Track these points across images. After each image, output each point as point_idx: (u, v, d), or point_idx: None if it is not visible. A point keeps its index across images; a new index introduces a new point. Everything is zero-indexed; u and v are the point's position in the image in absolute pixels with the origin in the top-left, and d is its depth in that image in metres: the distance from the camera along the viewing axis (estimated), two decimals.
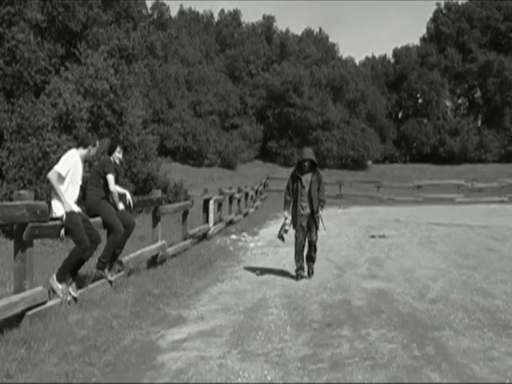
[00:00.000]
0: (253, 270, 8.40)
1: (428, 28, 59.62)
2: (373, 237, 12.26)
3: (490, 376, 3.97)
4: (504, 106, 53.29)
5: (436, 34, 57.75)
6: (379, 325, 5.25)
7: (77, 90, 16.91)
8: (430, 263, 8.84)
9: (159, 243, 8.22)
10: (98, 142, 6.19)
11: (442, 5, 58.64)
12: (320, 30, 59.93)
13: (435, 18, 58.72)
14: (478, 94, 56.91)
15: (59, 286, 5.48)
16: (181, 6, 59.85)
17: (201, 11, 60.12)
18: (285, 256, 9.61)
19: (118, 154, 6.77)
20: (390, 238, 12.17)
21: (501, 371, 4.06)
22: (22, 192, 5.00)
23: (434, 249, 10.61)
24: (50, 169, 5.82)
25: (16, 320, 4.65)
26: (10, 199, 5.41)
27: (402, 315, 5.61)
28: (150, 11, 41.02)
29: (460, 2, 58.47)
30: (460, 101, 58.69)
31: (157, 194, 8.80)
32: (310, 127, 47.10)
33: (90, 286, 6.07)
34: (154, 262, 8.01)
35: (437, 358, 4.34)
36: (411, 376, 3.96)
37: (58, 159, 5.96)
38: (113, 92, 17.44)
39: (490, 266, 8.49)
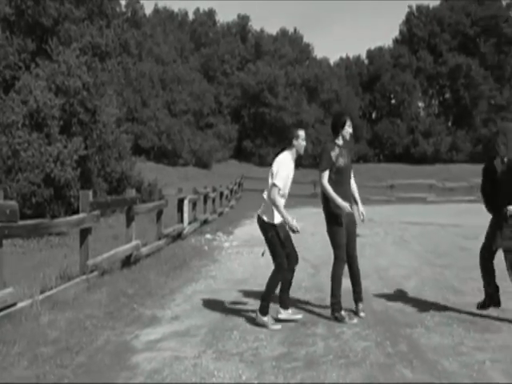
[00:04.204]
0: (228, 269, 8.38)
1: (401, 30, 60.48)
2: None
3: (459, 370, 4.06)
4: (473, 108, 54.42)
5: (408, 36, 58.66)
6: (353, 323, 5.30)
7: (48, 87, 16.64)
8: (404, 262, 8.95)
9: (133, 243, 8.15)
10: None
11: (414, 8, 59.57)
12: (295, 30, 60.25)
13: (407, 21, 59.64)
14: (449, 95, 57.92)
15: (264, 319, 5.19)
16: (155, 4, 59.47)
17: (175, 10, 59.76)
18: (260, 255, 9.61)
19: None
20: (364, 237, 12.25)
21: (469, 365, 4.17)
22: None
23: (408, 247, 10.74)
24: (19, 168, 5.69)
25: None
26: None
27: (376, 313, 5.68)
28: (123, 9, 40.58)
29: (431, 6, 59.52)
30: (432, 102, 59.63)
31: (131, 193, 8.73)
32: (284, 127, 47.22)
33: (63, 286, 5.98)
34: (127, 261, 7.93)
35: (409, 354, 4.40)
36: (384, 373, 4.01)
37: (28, 157, 5.80)
38: (86, 90, 17.20)
39: (460, 264, 8.64)
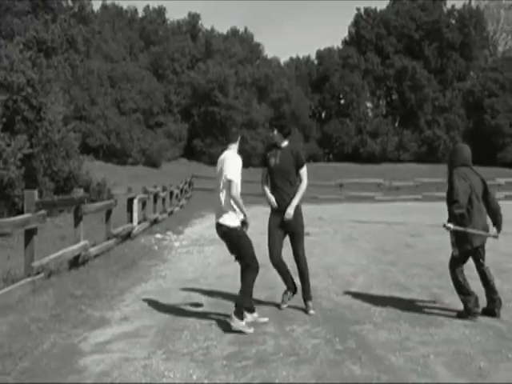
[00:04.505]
0: (178, 269, 8.33)
1: (349, 32, 61.55)
2: None
3: (405, 365, 4.19)
4: (418, 109, 56.09)
5: (357, 38, 59.79)
6: (303, 321, 5.38)
7: None
8: (352, 260, 9.13)
9: (81, 243, 7.98)
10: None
11: (362, 10, 60.80)
12: (245, 29, 60.30)
13: (356, 23, 60.78)
14: (396, 96, 59.42)
15: (241, 323, 5.01)
16: (103, 0, 58.05)
17: (124, 7, 58.68)
18: (210, 255, 9.61)
19: None
20: (314, 235, 12.43)
21: (414, 359, 4.31)
22: None
23: (356, 245, 10.96)
24: None
25: None
26: None
27: (326, 311, 5.77)
28: (70, 3, 39.55)
29: (378, 9, 60.86)
30: (380, 102, 61.01)
31: (78, 192, 8.53)
32: (235, 126, 47.27)
33: (6, 289, 5.78)
34: (76, 262, 7.76)
35: (358, 350, 4.50)
36: (334, 369, 4.09)
37: None
38: (30, 86, 16.65)
39: (406, 261, 8.89)
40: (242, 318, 5.04)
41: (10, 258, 9.37)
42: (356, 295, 6.45)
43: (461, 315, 5.45)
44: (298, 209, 5.70)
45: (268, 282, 7.17)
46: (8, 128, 15.87)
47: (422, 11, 58.78)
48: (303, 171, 5.77)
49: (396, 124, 58.65)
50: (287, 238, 5.81)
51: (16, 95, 16.35)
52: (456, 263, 5.48)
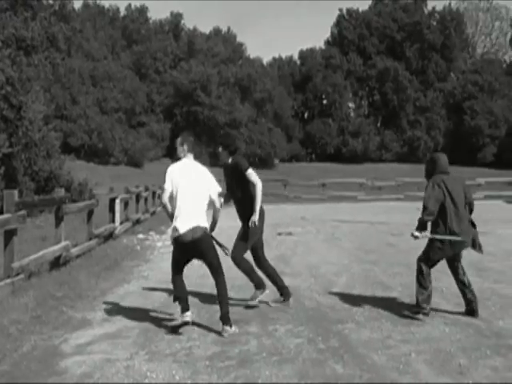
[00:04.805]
0: (160, 269, 8.29)
1: (332, 32, 61.86)
2: (279, 234, 12.51)
3: (387, 363, 4.22)
4: (400, 110, 56.58)
5: (339, 39, 60.14)
6: (286, 320, 5.39)
7: None
8: (335, 259, 9.17)
9: (62, 244, 7.90)
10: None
11: (345, 11, 61.11)
12: (228, 29, 60.26)
13: (338, 23, 61.11)
14: (378, 97, 59.90)
15: (233, 329, 4.98)
16: None
17: (106, 5, 58.32)
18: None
19: None
20: (297, 235, 12.48)
21: (396, 358, 4.34)
22: None
23: (338, 245, 11.02)
24: None
25: None
26: None
27: (308, 310, 5.79)
28: (50, 1, 39.12)
29: (360, 10, 61.24)
30: (362, 103, 61.42)
31: (60, 192, 8.45)
32: (218, 126, 47.21)
33: None
34: (57, 263, 7.68)
35: (340, 349, 4.52)
36: (316, 368, 4.10)
37: None
38: (10, 84, 16.44)
39: (388, 260, 8.96)
40: (230, 324, 5.00)
41: None
42: (338, 295, 6.48)
43: (411, 310, 5.52)
44: (260, 214, 5.82)
45: (249, 282, 7.16)
46: None
47: (404, 12, 59.37)
48: (249, 174, 5.77)
49: (378, 124, 59.10)
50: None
51: None
52: (429, 262, 5.53)
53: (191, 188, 5.07)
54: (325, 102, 58.07)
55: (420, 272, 5.55)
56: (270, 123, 51.34)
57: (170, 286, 6.94)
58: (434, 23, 60.15)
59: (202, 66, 48.83)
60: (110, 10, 57.37)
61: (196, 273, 7.94)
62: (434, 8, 61.21)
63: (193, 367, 4.12)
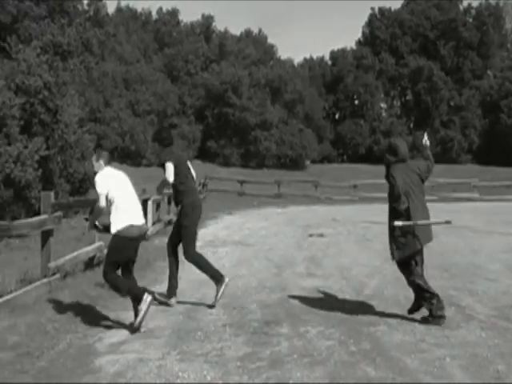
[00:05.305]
0: (191, 270, 8.34)
1: (363, 32, 61.29)
2: (311, 236, 12.45)
3: (420, 367, 4.16)
4: (433, 110, 55.66)
5: (371, 38, 59.50)
6: (317, 322, 5.36)
7: (7, 86, 16.25)
8: (366, 261, 9.08)
9: (96, 244, 8.05)
10: None
11: (377, 10, 60.47)
12: (259, 30, 60.29)
13: (370, 23, 60.49)
14: (410, 96, 59.06)
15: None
16: (118, 3, 58.44)
17: (139, 9, 59.04)
18: (224, 256, 9.62)
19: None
20: (328, 236, 12.40)
21: (430, 362, 4.27)
22: None
23: (370, 247, 10.90)
24: None
25: None
26: None
27: (339, 312, 5.75)
28: (86, 7, 39.90)
29: (393, 9, 60.49)
30: (394, 103, 60.66)
31: (93, 194, 8.60)
32: (248, 127, 47.29)
33: (23, 289, 5.85)
34: (91, 263, 7.82)
35: (372, 352, 4.48)
36: (348, 371, 4.08)
37: None
38: (47, 89, 16.86)
39: None
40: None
41: (27, 259, 9.48)
42: (370, 296, 6.42)
43: (429, 321, 5.31)
44: (182, 208, 6.07)
45: (281, 284, 7.17)
46: (25, 131, 16.09)
47: (438, 10, 58.27)
48: (165, 166, 6.05)
49: (411, 125, 58.27)
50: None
51: (33, 98, 16.57)
52: (413, 267, 5.42)
53: (131, 190, 5.59)
54: (356, 102, 57.56)
55: (418, 286, 5.37)
56: (301, 124, 51.15)
57: (201, 287, 7.00)
58: (470, 20, 58.89)
59: (232, 67, 49.00)
60: (143, 14, 58.12)
61: (227, 274, 7.98)
62: (469, 4, 59.95)
63: (224, 368, 4.14)
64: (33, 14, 19.90)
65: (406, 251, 5.37)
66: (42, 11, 20.62)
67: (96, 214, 5.56)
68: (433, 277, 7.54)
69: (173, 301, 6.05)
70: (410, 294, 6.48)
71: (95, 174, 5.51)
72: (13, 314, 5.19)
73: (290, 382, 3.90)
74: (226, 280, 6.02)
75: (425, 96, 55.56)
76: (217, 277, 6.01)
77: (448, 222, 5.31)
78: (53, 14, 21.42)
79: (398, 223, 5.27)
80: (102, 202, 5.32)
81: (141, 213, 5.61)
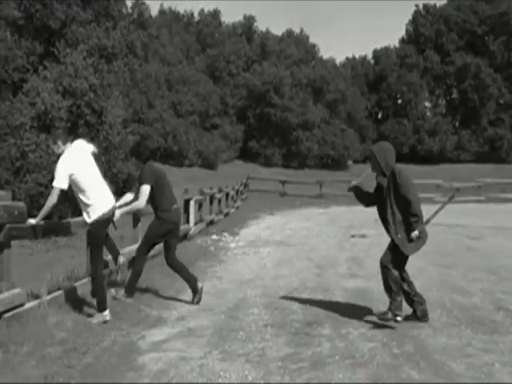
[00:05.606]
0: (234, 270, 8.39)
1: (407, 30, 60.25)
2: (353, 236, 12.34)
3: (466, 372, 4.04)
4: (480, 108, 54.16)
5: (415, 36, 58.41)
6: (359, 324, 5.30)
7: (55, 89, 16.73)
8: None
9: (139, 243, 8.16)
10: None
11: (421, 7, 59.28)
12: (301, 30, 60.07)
13: (414, 20, 59.38)
14: (456, 95, 57.70)
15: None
16: (161, 5, 59.23)
17: (181, 11, 59.84)
18: (265, 256, 9.63)
19: None
20: (370, 237, 12.25)
21: (477, 367, 4.14)
22: (0, 193, 4.94)
23: None
24: (28, 169, 5.76)
25: None
26: None
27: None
28: (129, 10, 40.70)
29: (438, 5, 59.22)
30: (439, 101, 59.39)
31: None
32: (290, 127, 47.21)
33: (70, 287, 6.00)
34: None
35: (416, 355, 4.39)
36: (391, 374, 4.01)
37: (36, 158, 5.90)
38: (92, 91, 17.27)
39: (467, 264, 8.61)
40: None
41: (73, 257, 9.74)
42: None
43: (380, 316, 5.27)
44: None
45: (323, 284, 7.12)
46: (72, 132, 16.50)
47: (486, 4, 56.57)
48: (141, 188, 6.36)
49: (456, 123, 56.90)
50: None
51: (79, 100, 17.00)
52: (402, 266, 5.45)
53: (97, 172, 5.57)
54: (399, 101, 56.66)
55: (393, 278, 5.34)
56: (343, 124, 50.75)
57: (243, 287, 7.02)
58: None
59: (274, 67, 49.01)
60: (185, 16, 58.82)
61: (269, 274, 7.98)
62: None
63: (265, 368, 4.14)
64: (80, 19, 20.43)
65: (420, 245, 5.46)
66: (89, 16, 21.16)
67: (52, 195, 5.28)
68: (479, 279, 7.36)
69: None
70: (455, 297, 6.33)
71: (59, 157, 5.35)
72: (60, 311, 5.33)
73: (332, 382, 3.87)
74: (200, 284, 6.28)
75: (471, 94, 54.13)
76: (132, 289, 6.22)
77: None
78: (98, 18, 21.94)
79: (416, 233, 5.30)
80: (63, 184, 5.16)
81: (110, 194, 5.67)
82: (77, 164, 5.26)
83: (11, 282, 4.91)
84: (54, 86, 16.84)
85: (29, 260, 10.65)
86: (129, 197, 6.45)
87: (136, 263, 6.33)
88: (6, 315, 4.68)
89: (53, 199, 5.14)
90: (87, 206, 5.35)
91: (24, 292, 5.02)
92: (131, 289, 6.17)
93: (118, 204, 5.97)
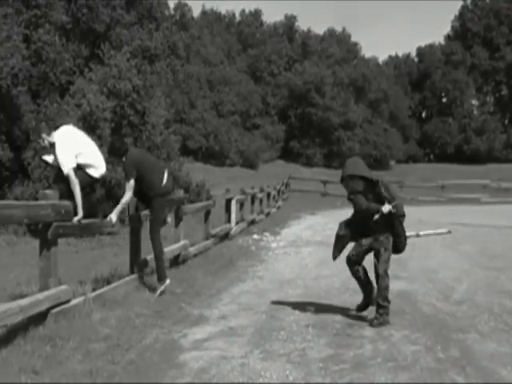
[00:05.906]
0: (275, 269, 8.38)
1: (453, 26, 58.81)
2: None
3: None
4: None
5: (461, 32, 56.90)
6: (402, 326, 5.20)
7: (100, 91, 17.08)
8: (454, 264, 8.72)
9: (181, 243, 8.26)
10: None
11: (469, 1, 57.65)
12: (343, 29, 59.50)
13: (461, 15, 57.83)
14: (506, 91, 55.93)
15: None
16: (203, 6, 59.96)
17: (223, 11, 60.23)
18: (306, 256, 9.58)
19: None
20: (413, 238, 12.01)
21: None
22: (47, 192, 5.08)
23: (458, 249, 10.46)
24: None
25: (41, 318, 4.71)
26: (36, 199, 5.50)
27: (426, 316, 5.55)
28: (172, 12, 41.19)
29: None
30: (487, 99, 57.69)
31: (179, 193, 8.83)
32: (332, 127, 46.87)
33: (113, 284, 6.11)
34: (176, 261, 8.05)
35: (462, 360, 4.27)
36: (435, 378, 3.91)
37: None
38: (135, 92, 17.57)
39: None
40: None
41: (116, 255, 9.93)
42: (459, 301, 6.14)
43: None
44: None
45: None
46: (116, 132, 16.83)
47: None
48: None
49: (505, 121, 55.14)
50: None
51: (123, 101, 17.31)
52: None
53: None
54: (444, 100, 55.42)
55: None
56: (386, 124, 50.04)
57: (284, 286, 7.00)
58: None
59: (316, 67, 48.75)
60: (226, 16, 59.18)
61: (310, 275, 7.94)
62: None
63: (306, 369, 4.11)
64: (124, 22, 20.80)
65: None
66: (132, 18, 21.51)
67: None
68: None
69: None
70: (504, 302, 6.14)
71: (43, 150, 5.54)
72: (104, 308, 5.44)
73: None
74: (167, 281, 6.39)
75: None
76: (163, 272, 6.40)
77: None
78: (142, 20, 22.28)
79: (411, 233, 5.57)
80: (71, 164, 5.44)
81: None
82: (76, 143, 5.62)
83: (58, 279, 5.05)
84: (98, 87, 17.19)
85: (74, 258, 10.92)
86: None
87: (156, 246, 6.39)
88: (54, 311, 4.81)
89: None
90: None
91: (70, 289, 5.15)
92: (162, 272, 6.35)
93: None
